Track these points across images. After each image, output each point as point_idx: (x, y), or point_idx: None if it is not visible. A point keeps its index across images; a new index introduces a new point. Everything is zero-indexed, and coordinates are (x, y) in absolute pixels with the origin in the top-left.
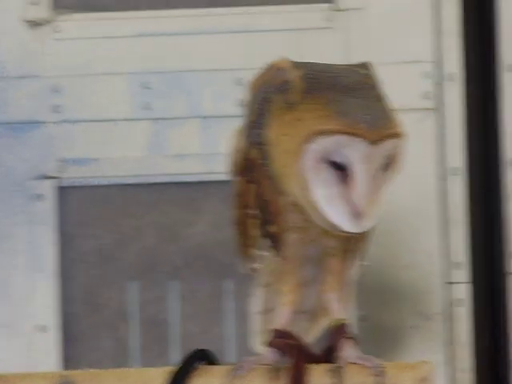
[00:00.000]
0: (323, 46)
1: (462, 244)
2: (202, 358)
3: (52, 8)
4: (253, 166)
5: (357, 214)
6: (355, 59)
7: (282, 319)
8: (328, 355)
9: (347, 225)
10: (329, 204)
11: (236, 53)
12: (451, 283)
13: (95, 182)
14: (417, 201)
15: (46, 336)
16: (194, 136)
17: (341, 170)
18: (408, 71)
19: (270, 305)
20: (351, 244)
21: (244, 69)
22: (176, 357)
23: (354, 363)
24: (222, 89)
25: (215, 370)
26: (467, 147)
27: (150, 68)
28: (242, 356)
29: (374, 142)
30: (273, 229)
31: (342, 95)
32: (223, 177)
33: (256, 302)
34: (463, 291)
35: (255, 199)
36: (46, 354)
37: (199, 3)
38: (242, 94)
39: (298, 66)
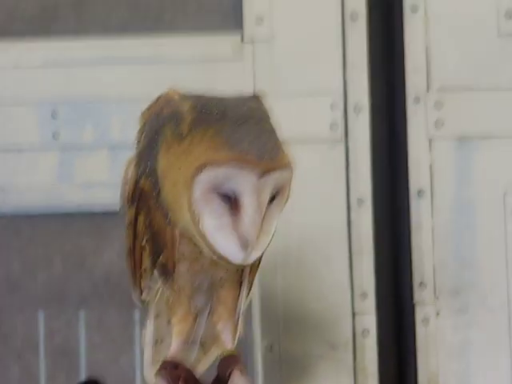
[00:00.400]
0: (232, 76)
1: (369, 274)
2: None
3: None
4: (143, 195)
5: (245, 245)
6: (264, 89)
7: (171, 350)
8: None
9: (235, 255)
10: (217, 235)
11: (145, 82)
12: (358, 313)
13: (2, 210)
14: (325, 231)
15: None
16: (101, 165)
17: (230, 200)
18: (316, 102)
19: (160, 335)
20: (241, 274)
21: (152, 99)
22: None
23: None
24: (131, 118)
25: None
26: (374, 177)
27: (59, 97)
28: None
29: (263, 173)
30: (162, 259)
31: (232, 126)
32: None
33: (148, 332)
34: (370, 321)
35: (145, 229)
36: None
37: (110, 32)
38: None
39: (187, 97)
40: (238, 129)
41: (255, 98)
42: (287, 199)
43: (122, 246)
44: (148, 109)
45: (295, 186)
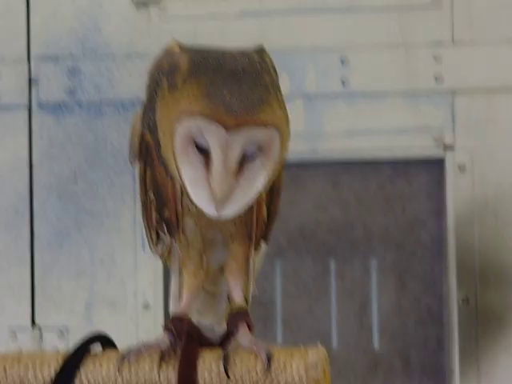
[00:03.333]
0: (429, 25)
1: None
2: (99, 341)
3: None
4: (148, 149)
5: (215, 199)
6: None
7: (181, 304)
8: (225, 340)
9: (208, 209)
10: (194, 186)
11: (338, 31)
12: None
13: None
14: None
15: (150, 313)
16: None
17: (205, 153)
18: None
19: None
20: (250, 229)
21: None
22: None
23: (246, 348)
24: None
25: (107, 354)
26: None
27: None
28: None
29: (232, 127)
30: (166, 213)
31: (220, 80)
32: None
33: (172, 286)
34: None
35: (151, 183)
36: (149, 331)
37: None
38: None
39: (187, 49)
40: (226, 82)
41: (259, 52)
42: (278, 160)
43: (317, 197)
44: (153, 61)
45: None
